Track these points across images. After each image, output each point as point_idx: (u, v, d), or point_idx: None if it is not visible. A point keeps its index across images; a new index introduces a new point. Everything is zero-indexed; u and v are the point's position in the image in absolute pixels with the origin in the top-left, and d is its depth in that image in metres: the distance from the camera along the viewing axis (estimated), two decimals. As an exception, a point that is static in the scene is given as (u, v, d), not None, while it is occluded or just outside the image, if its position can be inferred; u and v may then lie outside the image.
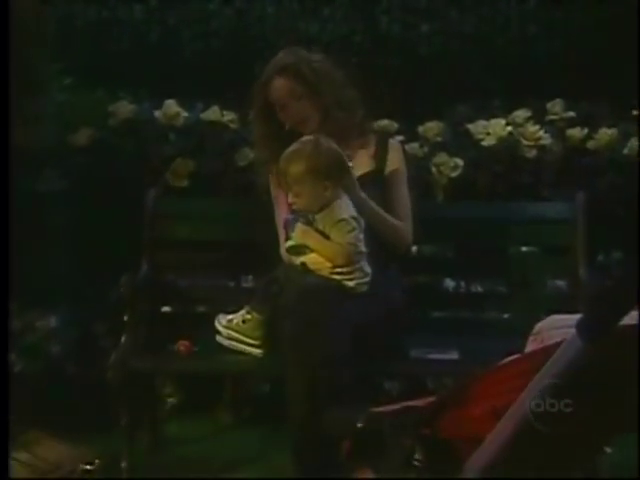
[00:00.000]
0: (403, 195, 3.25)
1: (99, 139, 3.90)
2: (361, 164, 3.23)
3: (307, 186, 2.95)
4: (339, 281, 2.96)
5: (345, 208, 2.98)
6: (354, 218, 2.98)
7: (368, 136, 3.29)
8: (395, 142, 3.36)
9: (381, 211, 3.15)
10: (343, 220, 2.96)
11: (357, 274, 2.99)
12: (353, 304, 2.91)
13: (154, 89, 4.30)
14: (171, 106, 3.95)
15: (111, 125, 3.94)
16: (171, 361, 3.26)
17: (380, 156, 3.26)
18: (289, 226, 3.00)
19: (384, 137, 3.35)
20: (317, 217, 2.98)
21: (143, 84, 4.37)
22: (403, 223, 3.20)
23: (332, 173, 2.96)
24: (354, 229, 2.97)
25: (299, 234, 2.96)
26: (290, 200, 3.00)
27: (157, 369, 3.40)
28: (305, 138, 3.02)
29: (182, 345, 3.22)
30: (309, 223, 2.98)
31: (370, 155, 3.26)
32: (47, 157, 3.75)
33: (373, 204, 3.12)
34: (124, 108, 3.97)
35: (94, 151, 3.87)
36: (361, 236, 2.99)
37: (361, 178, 3.16)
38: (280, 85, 3.17)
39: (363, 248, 3.00)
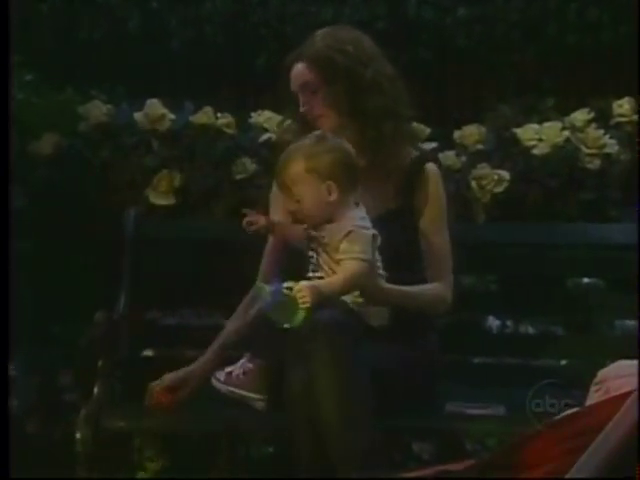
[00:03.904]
0: (442, 242, 3.19)
1: (67, 147, 3.91)
2: (383, 198, 3.19)
3: (308, 188, 2.95)
4: (356, 313, 2.93)
5: (360, 220, 2.94)
6: (367, 229, 2.93)
7: (399, 156, 3.24)
8: (434, 168, 3.26)
9: (408, 290, 3.07)
10: (352, 232, 2.89)
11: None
12: (374, 345, 2.88)
13: (134, 87, 4.32)
14: (154, 107, 3.95)
15: (82, 130, 3.96)
16: (153, 417, 3.23)
17: (412, 187, 3.21)
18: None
19: (420, 160, 3.26)
20: (324, 234, 2.94)
21: (120, 81, 4.39)
22: (441, 285, 3.15)
23: (337, 173, 2.93)
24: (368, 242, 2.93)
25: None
26: (290, 208, 2.98)
27: (136, 427, 3.39)
28: (310, 135, 3.04)
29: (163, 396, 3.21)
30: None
31: (397, 185, 3.22)
32: (4, 169, 3.77)
33: (395, 288, 3.03)
34: (97, 110, 3.98)
35: (61, 162, 3.89)
36: (376, 255, 2.96)
37: (382, 217, 3.10)
38: (297, 73, 3.22)
39: (381, 270, 2.99)
